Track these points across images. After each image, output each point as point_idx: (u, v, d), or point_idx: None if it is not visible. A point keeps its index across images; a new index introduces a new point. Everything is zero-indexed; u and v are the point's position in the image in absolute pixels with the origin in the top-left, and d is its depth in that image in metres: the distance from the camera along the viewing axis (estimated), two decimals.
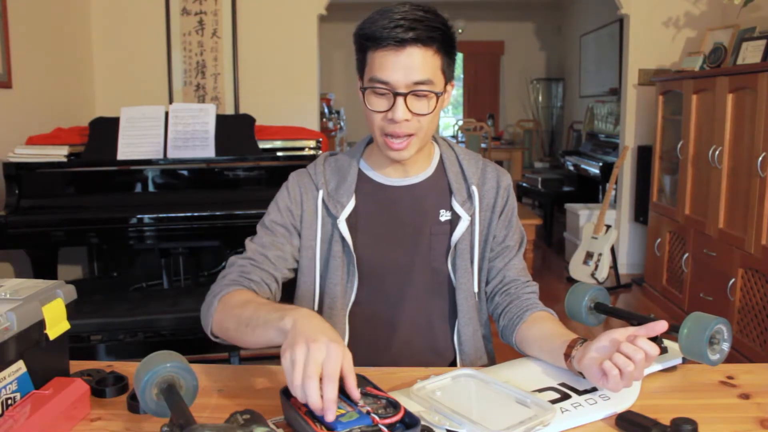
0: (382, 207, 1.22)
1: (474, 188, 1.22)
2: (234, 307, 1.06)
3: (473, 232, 1.22)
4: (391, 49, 1.06)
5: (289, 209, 1.22)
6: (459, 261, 1.22)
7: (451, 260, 1.22)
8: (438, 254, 1.23)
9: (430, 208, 1.22)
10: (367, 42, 1.09)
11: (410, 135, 1.11)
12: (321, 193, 1.21)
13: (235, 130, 2.86)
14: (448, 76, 1.14)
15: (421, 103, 1.09)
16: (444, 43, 1.09)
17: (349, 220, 1.20)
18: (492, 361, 1.29)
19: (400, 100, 1.08)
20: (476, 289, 1.23)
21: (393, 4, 1.09)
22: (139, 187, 2.70)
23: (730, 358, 1.09)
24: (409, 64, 1.06)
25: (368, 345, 1.23)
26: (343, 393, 0.90)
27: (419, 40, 1.06)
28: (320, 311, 1.24)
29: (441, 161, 1.25)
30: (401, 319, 1.23)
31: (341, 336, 1.20)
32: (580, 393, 0.99)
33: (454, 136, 7.69)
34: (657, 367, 1.10)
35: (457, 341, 1.24)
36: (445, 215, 1.22)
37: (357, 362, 1.21)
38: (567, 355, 1.01)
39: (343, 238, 1.19)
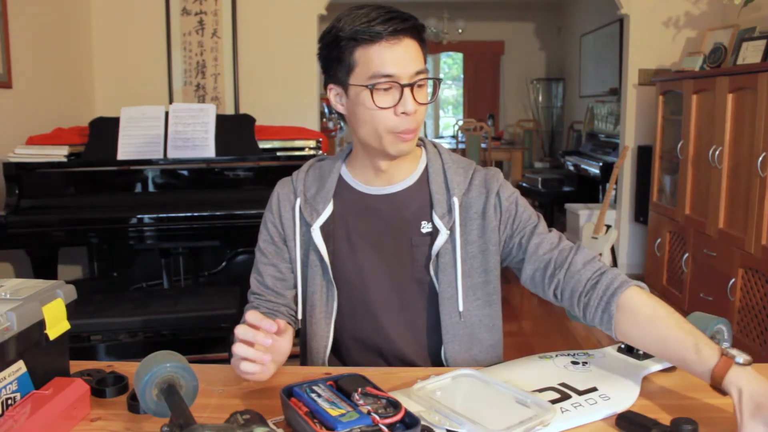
0: (361, 215, 1.19)
1: (455, 200, 1.16)
2: None
3: (455, 247, 1.16)
4: (389, 42, 1.06)
5: (273, 224, 1.23)
6: (442, 275, 1.17)
7: (434, 273, 1.17)
8: (420, 266, 1.18)
9: (411, 218, 1.18)
10: (359, 38, 1.06)
11: (415, 129, 1.11)
12: (299, 200, 1.20)
13: (235, 130, 2.86)
14: None
15: (423, 93, 1.10)
16: (423, 37, 1.12)
17: (326, 228, 1.18)
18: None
19: (407, 91, 1.07)
20: (461, 308, 1.16)
21: (366, 5, 1.09)
22: (139, 187, 2.70)
23: None
24: (407, 55, 1.07)
25: (356, 355, 1.22)
26: (342, 392, 0.90)
27: (413, 31, 1.08)
28: (304, 320, 1.23)
29: (426, 170, 1.20)
30: (387, 330, 1.19)
31: (324, 344, 1.20)
32: (580, 393, 0.99)
33: (454, 137, 7.69)
34: (657, 367, 1.10)
35: (444, 357, 1.19)
36: (426, 227, 1.17)
37: (350, 364, 1.21)
38: (719, 377, 0.89)
39: (318, 248, 1.18)
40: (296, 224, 1.20)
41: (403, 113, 1.07)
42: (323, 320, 1.20)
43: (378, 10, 1.07)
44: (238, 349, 0.94)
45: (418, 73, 1.08)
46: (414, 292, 1.19)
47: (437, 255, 1.17)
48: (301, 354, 1.28)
